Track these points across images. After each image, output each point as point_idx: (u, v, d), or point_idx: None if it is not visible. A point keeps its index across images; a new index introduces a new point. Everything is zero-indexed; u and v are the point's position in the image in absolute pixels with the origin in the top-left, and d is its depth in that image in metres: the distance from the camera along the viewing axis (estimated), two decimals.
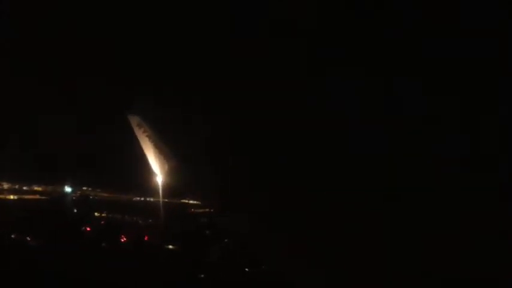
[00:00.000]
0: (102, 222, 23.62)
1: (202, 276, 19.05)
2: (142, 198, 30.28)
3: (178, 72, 19.76)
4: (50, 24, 20.43)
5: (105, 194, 29.96)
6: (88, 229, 22.26)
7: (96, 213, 24.82)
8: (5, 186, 25.51)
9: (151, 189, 26.52)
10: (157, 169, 20.17)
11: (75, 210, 24.72)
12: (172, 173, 19.89)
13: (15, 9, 19.76)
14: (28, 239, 19.38)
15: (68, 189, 28.64)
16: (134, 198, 30.20)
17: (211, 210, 26.42)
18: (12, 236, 19.38)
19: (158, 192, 26.41)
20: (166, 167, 19.61)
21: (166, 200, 28.52)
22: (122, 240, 21.85)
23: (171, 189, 22.12)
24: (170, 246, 22.05)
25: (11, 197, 24.26)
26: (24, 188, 26.43)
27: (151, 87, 21.69)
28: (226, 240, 22.78)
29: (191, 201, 26.91)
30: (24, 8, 19.79)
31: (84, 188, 30.00)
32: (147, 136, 19.32)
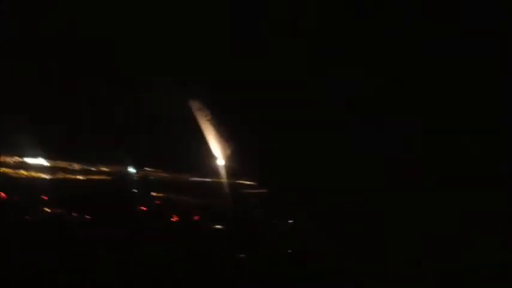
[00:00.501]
0: (158, 202, 25.35)
1: (243, 255, 19.81)
2: (198, 179, 31.91)
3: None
4: (51, 24, 21.17)
5: (165, 174, 31.91)
6: (144, 209, 23.85)
7: (153, 193, 26.71)
8: (76, 167, 28.04)
9: (210, 171, 27.97)
10: (219, 152, 21.16)
11: (135, 190, 26.74)
12: (233, 156, 20.80)
13: (15, 9, 20.49)
14: (87, 217, 21.06)
15: (131, 169, 30.85)
16: (191, 179, 31.89)
17: (265, 191, 27.40)
18: (73, 214, 21.15)
19: (215, 173, 27.81)
20: (227, 150, 20.56)
21: (222, 180, 29.90)
22: (173, 219, 23.22)
23: (230, 171, 23.07)
24: (218, 226, 23.32)
25: (78, 177, 26.61)
26: (92, 168, 28.89)
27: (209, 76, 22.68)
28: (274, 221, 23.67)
29: (246, 182, 27.96)
30: (24, 8, 20.46)
31: (147, 169, 32.13)
32: (208, 120, 20.32)
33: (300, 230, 22.88)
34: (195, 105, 19.73)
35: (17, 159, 25.30)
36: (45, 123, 26.40)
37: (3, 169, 24.15)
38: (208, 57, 21.69)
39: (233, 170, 21.50)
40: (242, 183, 27.77)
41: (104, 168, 28.86)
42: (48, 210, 21.09)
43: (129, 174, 29.15)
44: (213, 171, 27.50)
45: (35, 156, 25.90)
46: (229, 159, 20.77)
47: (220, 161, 21.14)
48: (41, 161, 25.76)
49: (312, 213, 21.51)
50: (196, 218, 24.22)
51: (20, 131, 23.07)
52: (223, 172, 22.74)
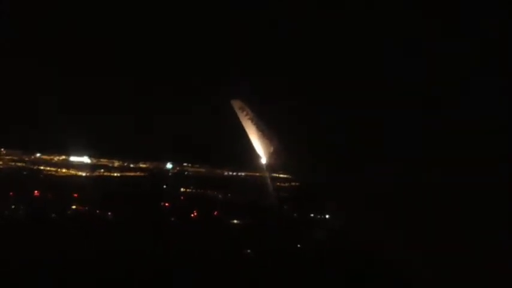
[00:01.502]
0: (182, 197, 26.47)
1: (248, 251, 20.29)
2: (232, 173, 32.61)
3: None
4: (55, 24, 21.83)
5: (202, 170, 33.03)
6: (167, 205, 25.08)
7: (182, 189, 27.88)
8: (116, 164, 29.92)
9: (247, 166, 28.59)
10: (261, 151, 21.87)
11: (165, 186, 28.10)
12: (275, 153, 21.40)
13: (15, 9, 21.30)
14: (109, 213, 22.59)
15: (169, 165, 32.31)
16: (225, 173, 32.70)
17: (298, 184, 27.53)
18: (97, 211, 22.78)
19: (250, 168, 28.40)
20: (270, 148, 21.25)
21: (255, 174, 30.35)
22: (192, 215, 24.23)
23: (267, 166, 23.43)
24: (235, 221, 24.04)
25: (115, 174, 28.43)
26: (131, 165, 30.65)
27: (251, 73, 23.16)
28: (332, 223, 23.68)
29: (281, 175, 28.25)
30: (24, 8, 21.18)
31: (185, 164, 33.41)
32: (249, 119, 21.24)
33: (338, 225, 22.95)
34: (236, 104, 20.64)
35: (58, 158, 27.60)
36: (90, 122, 28.44)
37: (43, 167, 26.50)
38: (247, 56, 22.15)
39: (270, 164, 21.97)
40: (276, 176, 28.09)
41: (143, 165, 30.60)
42: (74, 207, 22.76)
43: (164, 170, 30.64)
44: (250, 166, 28.03)
45: (79, 155, 28.08)
46: (268, 154, 21.24)
47: (258, 156, 21.76)
48: (82, 159, 27.90)
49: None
50: (215, 213, 25.03)
51: (62, 130, 24.93)
52: (259, 167, 23.24)
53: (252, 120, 21.16)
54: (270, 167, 23.48)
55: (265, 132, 21.47)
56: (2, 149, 26.63)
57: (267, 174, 27.52)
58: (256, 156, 22.58)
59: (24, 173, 25.67)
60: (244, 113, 21.45)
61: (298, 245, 21.06)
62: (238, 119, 20.85)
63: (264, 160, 22.74)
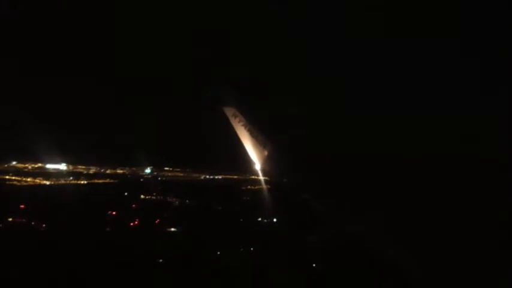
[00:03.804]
0: (134, 205, 25.55)
1: (160, 261, 19.23)
2: (209, 176, 31.10)
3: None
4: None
5: (180, 174, 31.91)
6: (114, 213, 24.43)
7: (142, 196, 26.87)
8: (92, 170, 29.67)
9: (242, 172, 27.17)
10: (255, 157, 21.71)
11: (126, 194, 27.30)
12: (269, 159, 21.11)
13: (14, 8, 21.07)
14: (43, 225, 22.42)
15: (147, 170, 31.59)
16: (202, 177, 31.24)
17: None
18: (32, 223, 22.69)
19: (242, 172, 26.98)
20: (264, 154, 20.98)
21: (234, 177, 28.82)
22: (132, 224, 23.36)
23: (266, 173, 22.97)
24: (172, 229, 22.88)
25: (82, 182, 28.21)
26: (108, 171, 30.26)
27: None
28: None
29: (260, 177, 26.73)
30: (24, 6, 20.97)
31: (166, 168, 32.48)
32: (242, 125, 21.31)
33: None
34: (229, 112, 20.29)
35: (32, 166, 27.89)
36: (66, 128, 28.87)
37: (8, 177, 26.89)
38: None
39: (264, 170, 21.24)
40: (248, 178, 26.51)
41: (120, 171, 30.15)
42: (10, 220, 22.83)
43: (139, 176, 29.90)
44: (244, 171, 26.91)
45: (56, 162, 28.37)
46: (262, 160, 20.62)
47: (252, 162, 21.14)
48: (57, 167, 28.08)
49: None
50: (157, 221, 24.05)
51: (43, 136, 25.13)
52: (252, 172, 22.73)
53: (245, 126, 20.57)
54: (264, 172, 22.41)
55: (259, 138, 20.91)
56: None
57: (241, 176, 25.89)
58: (250, 162, 21.90)
59: None
60: (237, 119, 20.85)
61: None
62: (231, 124, 20.37)
63: (257, 165, 21.92)
